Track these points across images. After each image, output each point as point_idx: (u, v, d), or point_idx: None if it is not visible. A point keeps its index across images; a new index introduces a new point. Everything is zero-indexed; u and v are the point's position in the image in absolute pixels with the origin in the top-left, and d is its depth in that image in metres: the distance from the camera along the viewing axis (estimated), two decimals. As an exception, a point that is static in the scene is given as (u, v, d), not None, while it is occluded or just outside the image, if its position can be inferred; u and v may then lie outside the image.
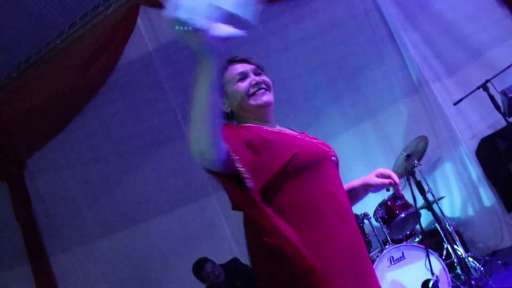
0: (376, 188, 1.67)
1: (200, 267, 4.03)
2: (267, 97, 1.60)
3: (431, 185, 4.15)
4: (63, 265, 5.32)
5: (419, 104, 4.55)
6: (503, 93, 3.40)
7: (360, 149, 4.60)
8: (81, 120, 5.37)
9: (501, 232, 4.33)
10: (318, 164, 1.47)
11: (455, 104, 3.85)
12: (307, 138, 1.60)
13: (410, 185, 3.51)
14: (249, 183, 1.34)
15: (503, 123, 4.04)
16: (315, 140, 1.62)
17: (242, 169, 1.35)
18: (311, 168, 1.46)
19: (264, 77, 1.65)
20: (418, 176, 3.81)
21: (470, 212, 4.53)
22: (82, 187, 5.30)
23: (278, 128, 1.65)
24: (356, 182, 1.71)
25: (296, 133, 1.66)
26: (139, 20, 5.28)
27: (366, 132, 4.57)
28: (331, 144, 1.65)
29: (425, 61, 4.58)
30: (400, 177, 3.95)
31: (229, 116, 1.64)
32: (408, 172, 3.57)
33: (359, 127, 4.60)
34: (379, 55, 4.63)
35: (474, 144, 4.49)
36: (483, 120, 4.47)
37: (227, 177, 1.38)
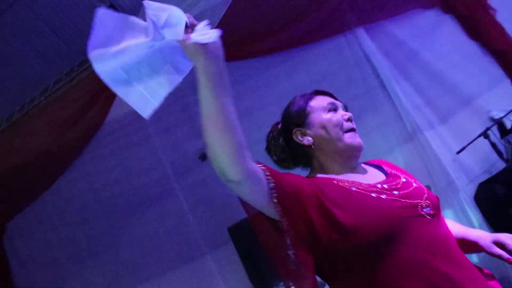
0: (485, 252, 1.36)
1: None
2: (361, 139, 1.45)
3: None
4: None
5: (414, 152, 4.55)
6: (507, 141, 3.44)
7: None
8: (66, 180, 5.13)
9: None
10: (399, 233, 1.18)
11: (458, 152, 3.87)
12: (384, 196, 1.26)
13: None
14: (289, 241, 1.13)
15: (498, 168, 4.08)
16: (404, 191, 1.29)
17: (281, 214, 1.13)
18: (387, 241, 1.17)
19: None
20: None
21: (474, 258, 4.45)
22: (68, 251, 4.99)
23: (354, 177, 1.37)
24: (470, 234, 1.41)
25: (378, 182, 1.33)
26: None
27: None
28: None
29: (418, 110, 4.63)
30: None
31: (303, 150, 1.44)
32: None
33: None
34: (372, 106, 4.66)
35: (472, 190, 4.48)
36: (478, 165, 4.50)
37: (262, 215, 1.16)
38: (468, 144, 3.79)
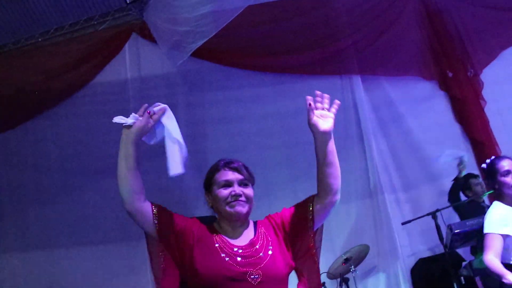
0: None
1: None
2: (241, 208, 1.79)
3: (361, 292, 4.14)
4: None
5: (369, 210, 4.61)
6: (449, 227, 3.50)
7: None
8: (34, 123, 5.18)
9: None
10: (220, 285, 1.65)
11: (403, 223, 3.94)
12: (227, 259, 1.71)
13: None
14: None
15: (442, 249, 4.12)
16: (246, 259, 1.72)
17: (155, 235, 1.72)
18: None
19: (247, 190, 1.84)
20: (351, 282, 3.81)
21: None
22: (14, 192, 5.02)
23: (229, 236, 1.80)
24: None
25: (240, 246, 1.76)
26: (127, 46, 5.25)
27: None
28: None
29: (386, 170, 4.70)
30: (333, 278, 3.93)
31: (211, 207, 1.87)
32: (342, 277, 3.57)
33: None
34: (343, 150, 4.68)
35: (411, 262, 4.56)
36: (424, 241, 4.57)
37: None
38: (415, 219, 3.87)
